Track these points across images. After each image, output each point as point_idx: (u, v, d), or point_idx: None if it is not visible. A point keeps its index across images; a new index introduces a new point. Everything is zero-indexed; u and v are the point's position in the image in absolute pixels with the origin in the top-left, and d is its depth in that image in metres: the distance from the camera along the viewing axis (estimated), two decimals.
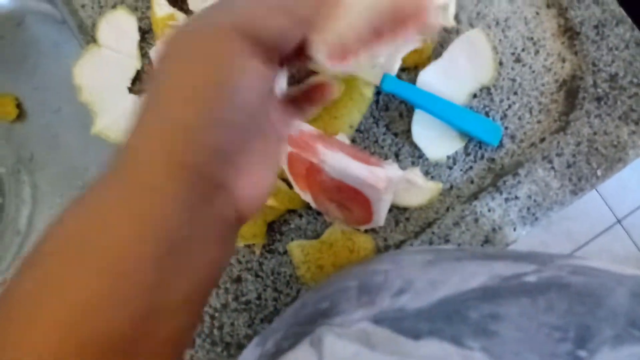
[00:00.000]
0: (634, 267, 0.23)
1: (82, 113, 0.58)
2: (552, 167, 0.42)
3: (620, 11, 0.45)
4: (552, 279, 0.22)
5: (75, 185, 0.57)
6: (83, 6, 0.46)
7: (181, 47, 0.19)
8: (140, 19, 0.45)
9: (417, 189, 0.41)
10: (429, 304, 0.23)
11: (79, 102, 0.58)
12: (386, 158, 0.43)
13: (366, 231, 0.42)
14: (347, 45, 0.21)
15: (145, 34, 0.45)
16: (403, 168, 0.42)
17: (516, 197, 0.42)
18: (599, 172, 0.42)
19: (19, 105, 0.58)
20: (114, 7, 0.45)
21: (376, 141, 0.43)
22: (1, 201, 0.56)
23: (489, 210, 0.42)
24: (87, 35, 0.46)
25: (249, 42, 0.19)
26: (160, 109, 0.19)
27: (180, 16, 0.43)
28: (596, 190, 1.23)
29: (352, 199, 0.38)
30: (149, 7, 0.45)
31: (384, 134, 0.44)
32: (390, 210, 0.42)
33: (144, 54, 0.45)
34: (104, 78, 0.45)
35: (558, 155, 0.43)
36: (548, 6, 0.45)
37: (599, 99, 0.43)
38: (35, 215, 0.57)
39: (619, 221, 1.23)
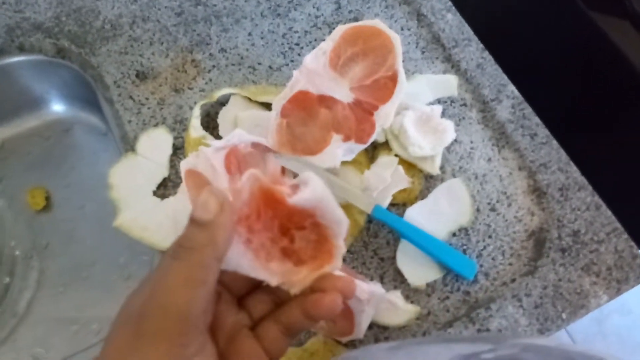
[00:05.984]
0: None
1: (102, 213, 0.65)
2: (521, 306, 0.46)
3: (582, 179, 0.53)
4: (507, 356, 0.25)
5: (80, 277, 0.61)
6: (129, 121, 0.54)
7: None
8: (175, 138, 0.53)
9: (397, 309, 0.45)
10: None
11: (101, 203, 0.64)
12: (372, 279, 0.48)
13: (346, 345, 0.45)
14: None
15: (177, 150, 0.53)
16: (386, 290, 0.46)
17: (487, 330, 0.45)
18: (564, 315, 0.46)
19: (47, 198, 0.65)
20: (155, 125, 0.54)
21: (364, 263, 0.48)
22: (8, 281, 0.59)
23: None
24: (128, 145, 0.54)
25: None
26: None
27: (210, 138, 0.51)
28: None
29: None
30: (184, 129, 0.54)
31: (372, 257, 0.49)
32: (370, 328, 0.45)
33: (172, 165, 0.52)
34: (134, 180, 0.51)
35: (527, 295, 0.47)
36: (520, 169, 0.54)
37: (563, 250, 0.49)
38: (35, 300, 0.59)
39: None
